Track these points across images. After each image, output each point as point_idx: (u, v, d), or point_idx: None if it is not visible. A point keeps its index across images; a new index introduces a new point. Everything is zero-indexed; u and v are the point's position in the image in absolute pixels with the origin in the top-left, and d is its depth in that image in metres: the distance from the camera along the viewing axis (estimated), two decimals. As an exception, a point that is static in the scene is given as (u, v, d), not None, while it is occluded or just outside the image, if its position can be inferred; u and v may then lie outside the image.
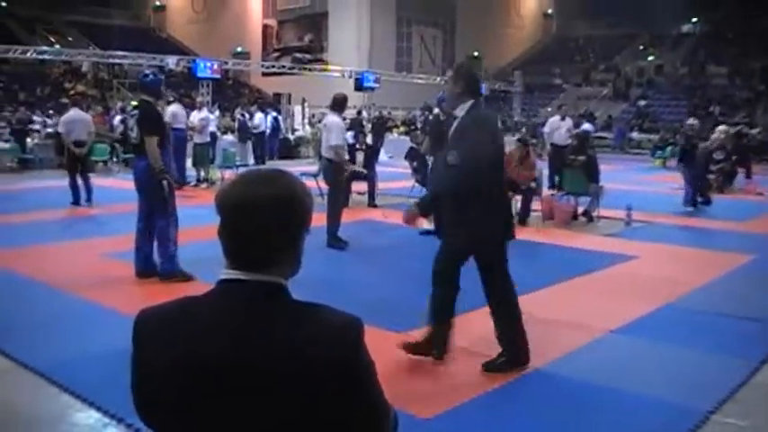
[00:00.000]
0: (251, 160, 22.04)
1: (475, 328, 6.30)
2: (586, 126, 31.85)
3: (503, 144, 5.71)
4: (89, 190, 14.21)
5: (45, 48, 33.79)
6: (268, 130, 25.49)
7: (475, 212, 5.21)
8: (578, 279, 8.29)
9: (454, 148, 5.23)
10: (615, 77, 45.02)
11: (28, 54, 29.66)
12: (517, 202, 12.12)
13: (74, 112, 14.75)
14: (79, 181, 13.99)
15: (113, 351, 4.72)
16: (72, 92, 36.03)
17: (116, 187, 17.37)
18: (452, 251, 5.53)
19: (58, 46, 38.52)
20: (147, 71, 9.20)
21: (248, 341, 1.58)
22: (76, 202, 14.02)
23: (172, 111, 17.72)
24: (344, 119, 11.47)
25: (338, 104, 10.28)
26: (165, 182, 7.92)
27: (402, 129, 34.16)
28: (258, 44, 47.75)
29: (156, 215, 8.06)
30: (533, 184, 12.14)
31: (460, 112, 5.30)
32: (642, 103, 40.67)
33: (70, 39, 43.33)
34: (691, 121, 18.28)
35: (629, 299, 7.51)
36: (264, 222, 1.63)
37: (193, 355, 1.59)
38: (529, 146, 12.52)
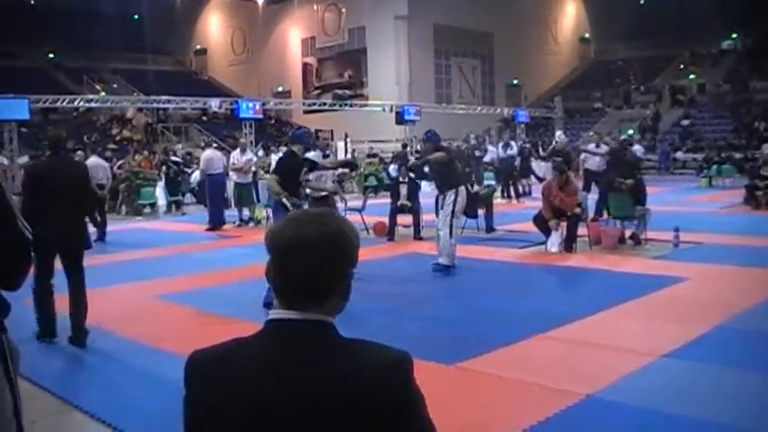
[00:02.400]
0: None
1: (526, 357, 6.30)
2: (637, 148, 31.74)
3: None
4: (104, 231, 15.30)
5: (91, 96, 34.43)
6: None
7: None
8: (628, 303, 8.19)
9: None
10: (656, 99, 44.65)
11: (75, 103, 30.21)
12: (563, 228, 12.09)
13: (93, 159, 15.86)
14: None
15: (167, 392, 4.79)
16: (118, 137, 36.69)
17: (166, 230, 17.64)
18: None
19: (103, 93, 39.26)
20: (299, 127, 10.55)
21: (299, 380, 1.60)
22: (101, 239, 14.88)
23: (207, 156, 18.06)
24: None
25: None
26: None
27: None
28: (299, 82, 48.17)
29: None
30: (578, 210, 12.04)
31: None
32: (685, 122, 40.23)
33: (115, 86, 44.13)
34: (558, 134, 18.55)
35: (680, 322, 7.40)
36: (316, 262, 1.66)
37: (246, 395, 1.62)
38: (566, 172, 12.43)
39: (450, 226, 10.29)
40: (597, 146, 17.54)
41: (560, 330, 7.12)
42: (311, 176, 10.32)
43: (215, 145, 23.44)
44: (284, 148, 14.02)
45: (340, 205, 13.26)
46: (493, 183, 20.21)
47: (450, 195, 10.36)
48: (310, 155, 9.61)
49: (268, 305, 9.00)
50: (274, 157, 12.05)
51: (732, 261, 10.59)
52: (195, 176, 22.67)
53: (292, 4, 47.72)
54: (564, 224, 12.04)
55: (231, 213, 17.99)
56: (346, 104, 38.27)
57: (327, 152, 13.72)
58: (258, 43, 49.61)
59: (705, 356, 6.18)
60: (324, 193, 10.66)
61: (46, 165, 8.01)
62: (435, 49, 44.84)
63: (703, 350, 6.37)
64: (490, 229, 14.86)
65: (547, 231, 12.05)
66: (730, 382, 5.63)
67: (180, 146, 29.98)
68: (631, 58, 50.97)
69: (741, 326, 7.19)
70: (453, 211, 10.32)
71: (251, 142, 27.42)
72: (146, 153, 21.85)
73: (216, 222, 16.97)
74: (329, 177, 11.48)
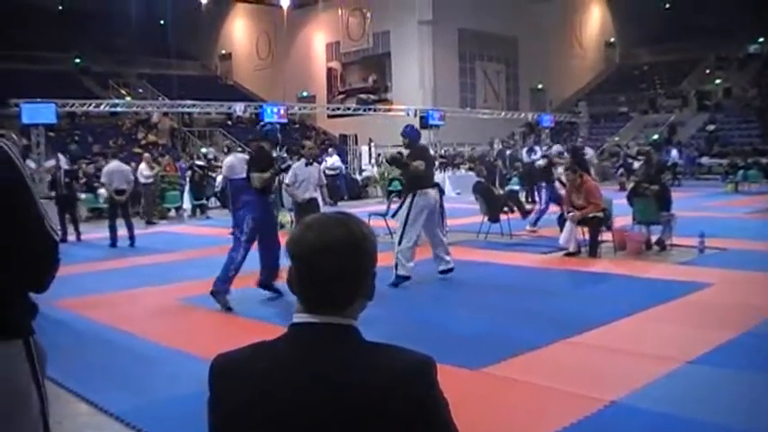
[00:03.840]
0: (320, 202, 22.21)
1: (550, 363, 6.28)
2: (674, 153, 31.53)
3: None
4: (132, 236, 15.49)
5: (117, 101, 34.69)
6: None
7: None
8: (653, 309, 8.14)
9: None
10: (682, 103, 44.38)
11: (101, 107, 30.44)
12: (585, 234, 12.04)
13: (114, 164, 15.95)
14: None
15: (190, 395, 4.81)
16: (143, 142, 36.92)
17: (189, 233, 17.72)
18: None
19: (129, 98, 39.54)
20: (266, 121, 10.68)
21: (322, 383, 1.60)
22: (113, 244, 15.20)
23: (228, 162, 18.12)
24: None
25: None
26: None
27: (468, 164, 34.16)
28: (323, 87, 48.29)
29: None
30: (601, 214, 11.96)
31: None
32: (711, 127, 39.92)
33: (141, 91, 44.42)
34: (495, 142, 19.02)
35: (706, 328, 7.35)
36: (338, 266, 1.66)
37: (269, 398, 1.63)
38: (578, 172, 12.40)
39: (401, 235, 9.81)
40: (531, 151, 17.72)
41: (585, 336, 7.09)
42: (294, 180, 10.75)
43: (239, 150, 23.49)
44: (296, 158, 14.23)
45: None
46: (517, 188, 20.15)
47: (408, 199, 9.95)
48: (331, 160, 9.91)
49: (264, 286, 9.28)
50: (297, 163, 12.13)
51: (758, 267, 10.49)
52: (219, 180, 22.78)
53: (317, 9, 47.89)
54: (585, 228, 12.02)
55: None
56: (370, 109, 38.31)
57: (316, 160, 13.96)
58: (283, 48, 49.77)
59: (731, 363, 6.13)
60: (308, 197, 10.87)
61: None
62: (460, 53, 44.81)
63: (729, 356, 6.32)
64: (535, 223, 15.30)
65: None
66: (756, 388, 5.58)
67: (205, 150, 30.16)
68: (657, 63, 50.68)
69: (767, 332, 7.11)
70: (407, 217, 9.84)
71: (277, 147, 27.48)
72: (167, 157, 21.96)
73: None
74: (312, 183, 11.69)
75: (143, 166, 20.40)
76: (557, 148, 18.82)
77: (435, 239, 10.20)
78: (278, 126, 11.50)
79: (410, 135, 10.45)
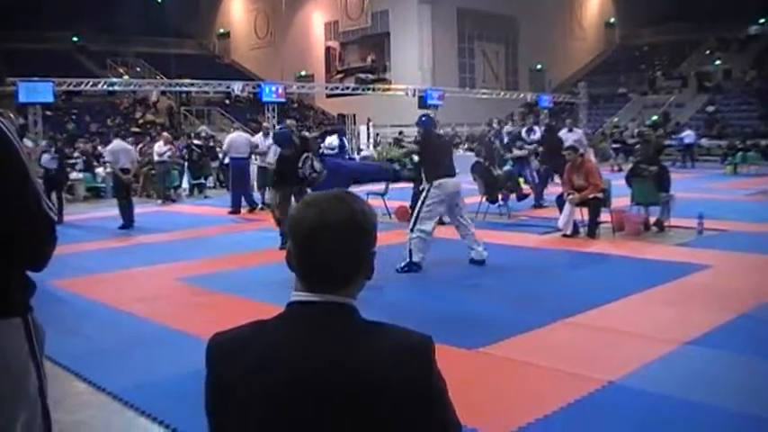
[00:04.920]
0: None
1: (548, 343, 6.30)
2: (688, 133, 31.43)
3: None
4: (132, 217, 15.06)
5: (115, 79, 34.62)
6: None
7: None
8: (651, 290, 8.15)
9: None
10: (682, 85, 44.30)
11: (99, 86, 30.37)
12: (583, 215, 12.05)
13: (116, 143, 15.68)
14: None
15: (188, 374, 4.82)
16: (141, 121, 36.85)
17: (188, 213, 17.73)
18: None
19: (126, 77, 39.44)
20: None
21: (321, 362, 1.60)
22: (126, 225, 14.72)
23: (231, 138, 18.10)
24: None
25: None
26: None
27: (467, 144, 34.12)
28: (321, 66, 48.19)
29: None
30: (600, 195, 11.96)
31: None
32: (710, 108, 39.86)
33: (138, 69, 44.30)
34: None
35: (703, 309, 7.36)
36: (338, 245, 1.65)
37: (267, 376, 1.62)
38: (579, 152, 12.45)
39: (414, 222, 9.75)
40: (570, 130, 17.68)
41: (582, 316, 7.11)
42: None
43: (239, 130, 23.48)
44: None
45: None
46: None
47: (425, 189, 9.85)
48: (329, 140, 10.03)
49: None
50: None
51: (757, 249, 10.50)
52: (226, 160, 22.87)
53: (315, -12, 47.74)
54: (584, 209, 12.03)
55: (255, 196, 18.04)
56: (369, 89, 38.24)
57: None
58: (281, 27, 49.60)
59: (728, 344, 6.14)
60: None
61: None
62: (459, 33, 44.71)
63: (727, 338, 6.33)
64: (539, 205, 15.67)
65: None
66: (754, 370, 5.59)
67: (203, 128, 30.12)
68: (657, 44, 50.60)
69: (765, 314, 7.12)
70: (420, 208, 9.73)
71: (273, 126, 27.44)
72: (166, 135, 21.88)
73: (238, 206, 17.04)
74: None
75: (160, 143, 20.30)
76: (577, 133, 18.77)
77: (461, 229, 10.03)
78: (287, 131, 12.06)
79: (420, 125, 10.40)
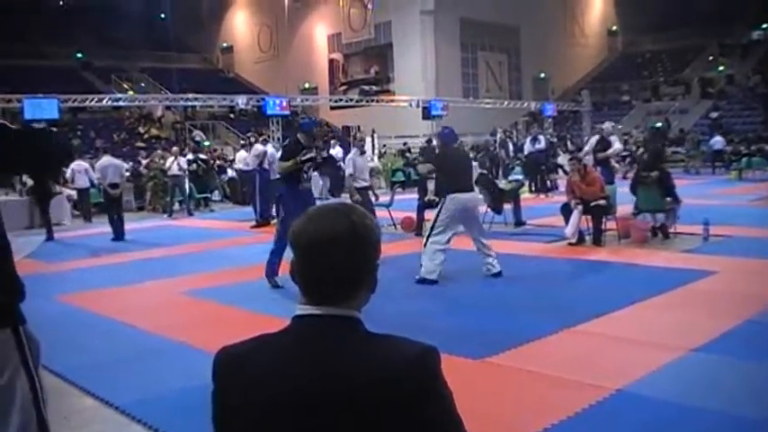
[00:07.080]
0: (325, 193, 22.24)
1: (555, 352, 6.29)
2: (718, 139, 31.29)
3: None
4: (122, 231, 15.67)
5: (119, 95, 34.71)
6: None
7: None
8: (657, 298, 8.13)
9: None
10: (685, 91, 44.25)
11: (104, 102, 30.46)
12: (589, 223, 12.04)
13: (105, 159, 16.21)
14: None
15: (195, 387, 4.82)
16: (146, 136, 36.92)
17: (193, 227, 17.75)
18: None
19: (131, 92, 39.55)
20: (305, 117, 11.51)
21: (327, 374, 1.60)
22: (117, 238, 15.38)
23: (240, 156, 18.17)
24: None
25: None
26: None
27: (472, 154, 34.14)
28: (325, 79, 48.21)
29: None
30: (603, 202, 11.94)
31: None
32: (714, 114, 39.80)
33: (143, 84, 44.39)
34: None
35: (709, 316, 7.34)
36: (340, 258, 1.66)
37: (273, 390, 1.63)
38: (582, 161, 12.44)
39: (428, 236, 9.69)
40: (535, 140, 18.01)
41: (589, 325, 7.10)
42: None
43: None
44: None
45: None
46: (520, 177, 20.11)
47: (441, 203, 9.83)
48: (333, 151, 9.98)
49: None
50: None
51: (763, 254, 10.46)
52: (230, 173, 22.99)
53: (318, 1, 47.78)
54: (589, 217, 12.02)
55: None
56: (373, 100, 38.29)
57: (364, 149, 14.35)
58: (284, 40, 49.69)
59: (735, 350, 6.13)
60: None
61: None
62: (462, 43, 44.68)
63: (734, 344, 6.31)
64: (519, 223, 14.83)
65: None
66: (761, 376, 5.58)
67: (197, 132, 30.18)
68: (659, 51, 50.54)
69: (771, 320, 7.10)
70: (435, 221, 9.70)
71: (278, 138, 27.51)
72: (175, 149, 21.91)
73: (265, 217, 16.95)
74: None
75: (171, 158, 20.40)
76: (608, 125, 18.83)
77: (476, 243, 9.92)
78: (315, 120, 12.16)
79: (439, 137, 10.59)
